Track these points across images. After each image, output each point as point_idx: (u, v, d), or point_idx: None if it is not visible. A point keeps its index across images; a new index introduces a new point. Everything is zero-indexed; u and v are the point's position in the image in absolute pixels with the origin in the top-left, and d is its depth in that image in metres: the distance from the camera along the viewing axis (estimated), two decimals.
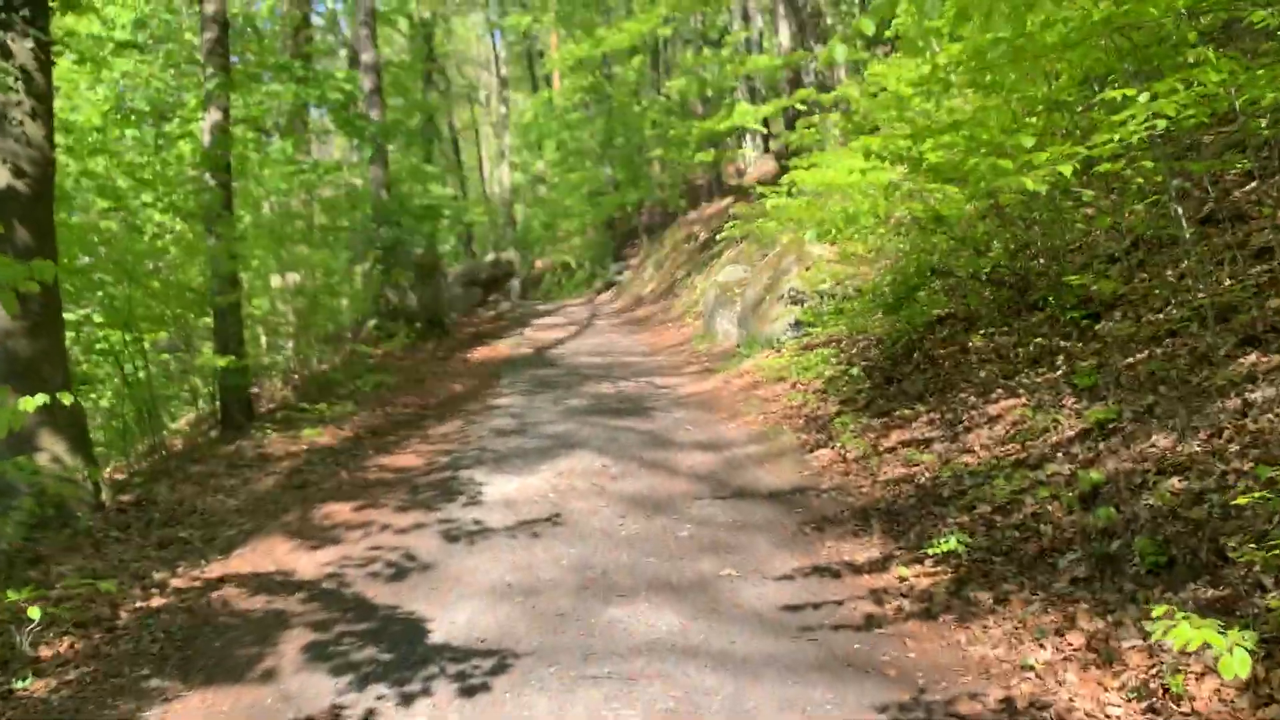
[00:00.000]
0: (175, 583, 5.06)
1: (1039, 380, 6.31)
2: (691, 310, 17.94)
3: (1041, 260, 7.88)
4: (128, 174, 9.70)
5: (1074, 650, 3.48)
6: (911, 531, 5.18)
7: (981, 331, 7.65)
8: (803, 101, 19.31)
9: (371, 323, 16.71)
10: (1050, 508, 4.58)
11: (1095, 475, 4.46)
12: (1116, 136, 4.33)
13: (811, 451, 7.35)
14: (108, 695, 3.79)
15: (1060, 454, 5.13)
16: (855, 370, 8.57)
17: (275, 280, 14.65)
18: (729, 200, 23.89)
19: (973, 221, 8.27)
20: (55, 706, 3.69)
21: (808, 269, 12.03)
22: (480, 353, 15.90)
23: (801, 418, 8.47)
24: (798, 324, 11.56)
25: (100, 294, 9.20)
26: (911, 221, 8.66)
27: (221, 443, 8.87)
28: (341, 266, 15.97)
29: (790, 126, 19.39)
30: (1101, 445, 4.91)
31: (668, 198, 27.96)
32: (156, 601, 4.81)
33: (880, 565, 4.87)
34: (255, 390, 12.30)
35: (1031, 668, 3.47)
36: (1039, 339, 6.84)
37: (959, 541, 4.46)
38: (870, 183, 9.04)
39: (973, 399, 6.68)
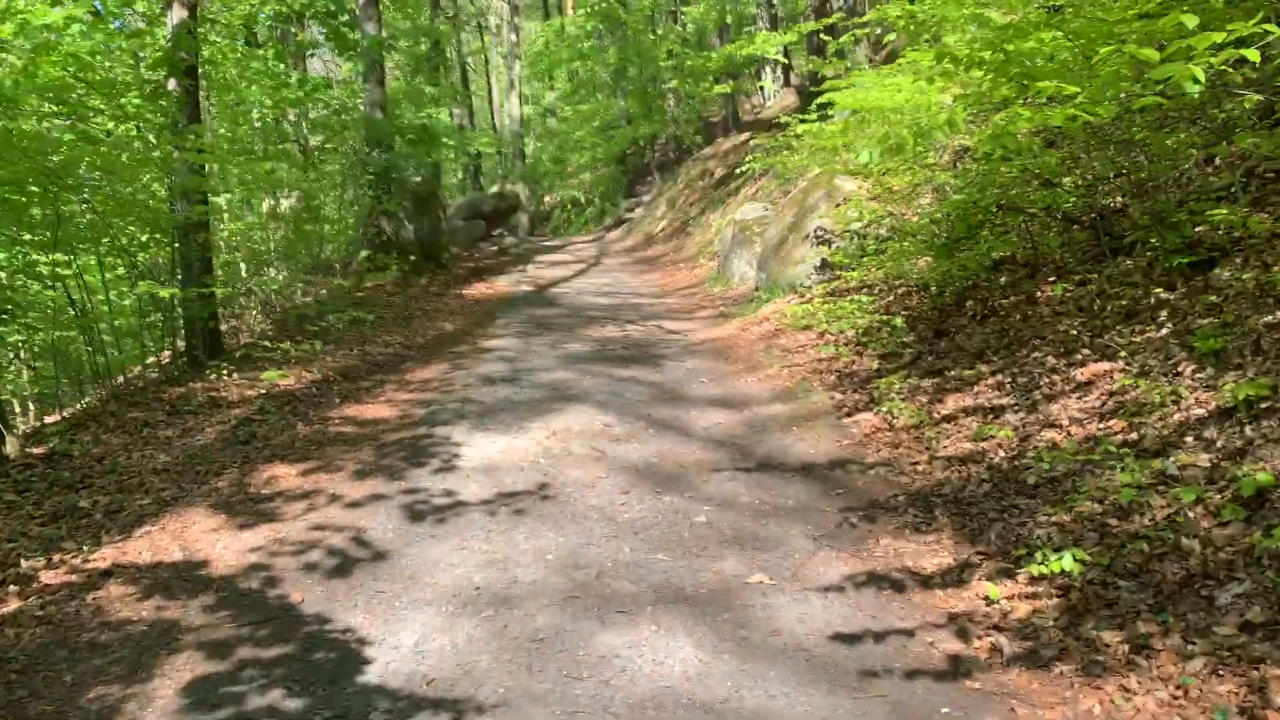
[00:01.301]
0: (47, 576, 3.95)
1: (1138, 340, 5.15)
2: (705, 250, 16.74)
3: (1122, 197, 6.69)
4: (70, 72, 8.42)
5: None
6: (991, 531, 4.06)
7: (1052, 279, 6.49)
8: (828, 30, 17.89)
9: (363, 254, 15.53)
10: (1193, 514, 3.45)
11: (1262, 475, 3.32)
12: None
13: (849, 415, 6.23)
14: None
15: (1190, 438, 3.99)
16: (898, 321, 7.40)
17: (266, 204, 13.48)
18: (746, 136, 22.49)
19: (1034, 149, 7.04)
20: None
21: (838, 206, 10.80)
22: (478, 289, 14.75)
23: (834, 373, 7.34)
24: (824, 266, 10.38)
25: (38, 212, 8.05)
26: (974, 147, 7.45)
27: (172, 383, 7.77)
28: (328, 191, 14.75)
29: (818, 53, 17.94)
30: (1250, 430, 3.77)
31: (682, 133, 26.49)
32: (11, 605, 3.72)
33: (956, 577, 3.77)
34: (236, 323, 11.20)
35: None
36: (1130, 288, 5.66)
37: (1075, 560, 3.33)
38: (920, 104, 7.79)
39: (1050, 359, 5.52)
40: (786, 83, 25.45)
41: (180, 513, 4.76)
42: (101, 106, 9.41)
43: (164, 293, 7.22)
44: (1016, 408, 5.23)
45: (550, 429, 6.40)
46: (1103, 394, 4.87)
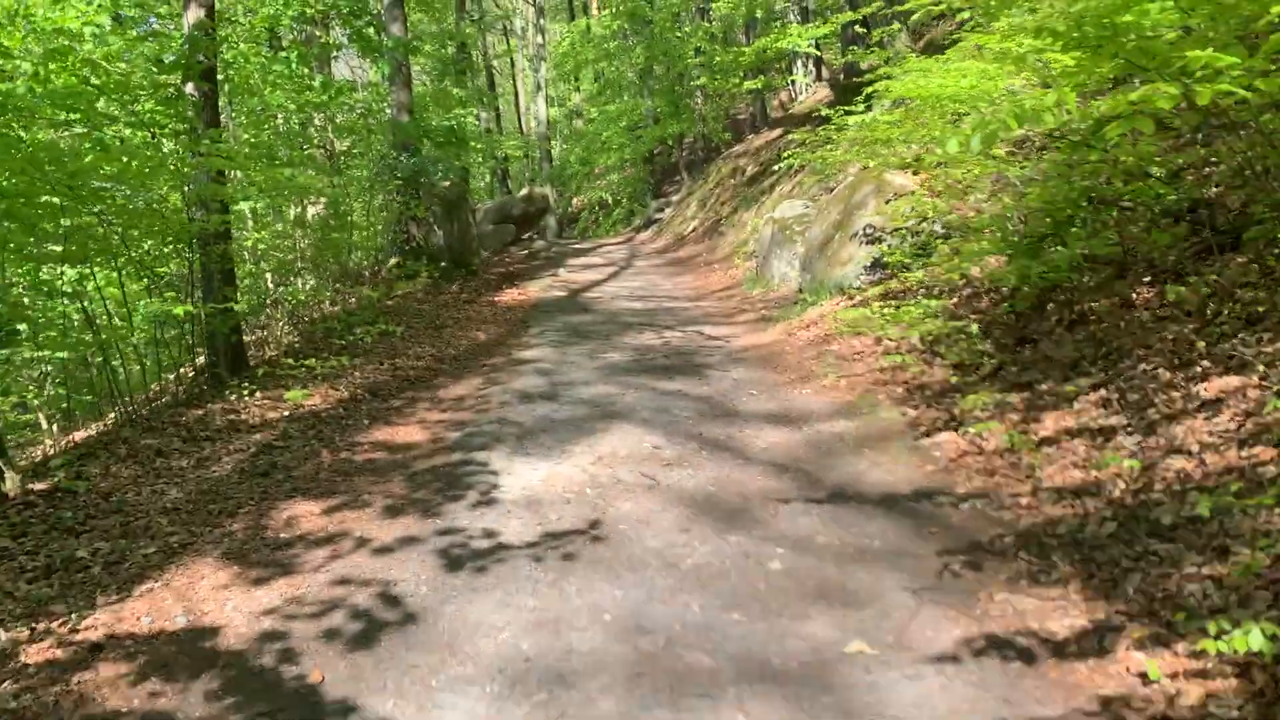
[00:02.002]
0: (28, 654, 3.41)
1: (1269, 350, 4.51)
2: (740, 250, 16.14)
3: (1217, 187, 6.05)
4: (78, 77, 7.97)
5: None
6: (1128, 584, 3.44)
7: (1147, 279, 5.84)
8: (863, 21, 17.28)
9: (392, 261, 15.09)
10: None
11: None
12: None
13: (928, 435, 5.61)
14: None
15: None
16: (974, 327, 6.76)
17: (293, 211, 13.05)
18: (778, 132, 21.84)
19: (1116, 139, 6.39)
20: None
21: (888, 201, 10.19)
22: (509, 295, 14.24)
23: (901, 385, 6.72)
24: (876, 266, 9.77)
25: (51, 226, 7.60)
26: (1054, 140, 6.81)
27: (190, 404, 7.29)
28: (356, 197, 14.29)
29: (855, 44, 17.30)
30: None
31: (710, 131, 25.87)
32: None
33: (1096, 644, 3.15)
34: (263, 334, 10.77)
35: None
36: (1249, 290, 5.01)
37: (1266, 637, 2.70)
38: (987, 90, 7.17)
39: (1163, 372, 4.87)
40: (819, 77, 24.79)
41: (188, 564, 4.23)
42: (116, 113, 8.98)
43: (177, 309, 6.72)
44: (1130, 429, 4.59)
45: (595, 453, 5.84)
46: (1236, 414, 4.23)
